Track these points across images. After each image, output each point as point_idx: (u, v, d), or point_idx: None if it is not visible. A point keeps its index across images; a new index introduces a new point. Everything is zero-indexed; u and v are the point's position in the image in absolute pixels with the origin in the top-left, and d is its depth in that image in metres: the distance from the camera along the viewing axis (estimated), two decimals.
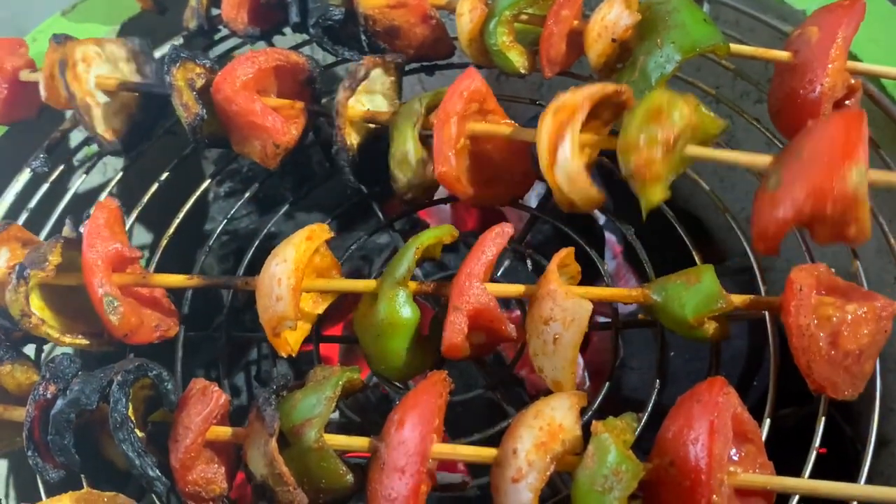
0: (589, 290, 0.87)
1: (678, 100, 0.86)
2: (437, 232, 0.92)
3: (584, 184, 0.89)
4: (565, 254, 0.89)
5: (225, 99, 1.03)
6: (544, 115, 0.91)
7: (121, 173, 1.22)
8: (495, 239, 0.90)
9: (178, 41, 1.28)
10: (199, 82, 1.06)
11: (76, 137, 1.26)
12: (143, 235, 1.49)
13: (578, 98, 0.89)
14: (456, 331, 0.86)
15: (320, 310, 0.99)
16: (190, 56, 1.05)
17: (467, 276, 0.87)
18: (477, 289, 0.87)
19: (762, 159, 0.87)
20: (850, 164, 0.78)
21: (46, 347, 1.09)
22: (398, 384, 1.01)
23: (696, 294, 0.83)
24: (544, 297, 0.84)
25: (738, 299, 0.85)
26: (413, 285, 0.90)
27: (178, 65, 1.04)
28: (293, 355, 0.93)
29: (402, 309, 0.88)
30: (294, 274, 0.89)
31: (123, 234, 1.01)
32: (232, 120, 1.04)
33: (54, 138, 1.21)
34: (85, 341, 0.98)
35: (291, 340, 0.93)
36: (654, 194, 0.87)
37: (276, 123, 1.02)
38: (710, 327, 0.85)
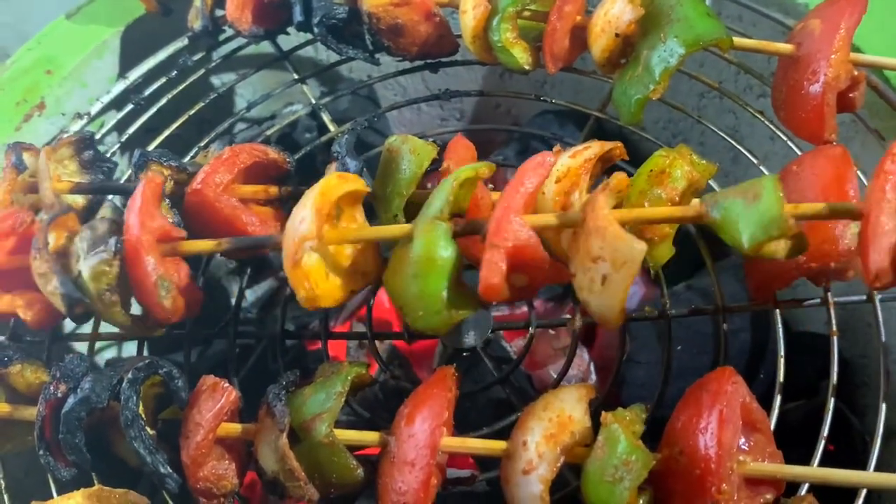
0: (639, 214, 0.79)
1: (676, 157, 0.86)
2: (476, 165, 0.84)
3: None
4: (615, 182, 0.80)
5: (204, 204, 0.98)
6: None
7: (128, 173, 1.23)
8: (536, 169, 0.82)
9: (183, 42, 1.29)
10: (169, 185, 1.01)
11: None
12: None
13: (580, 162, 0.87)
14: (494, 270, 0.77)
15: (348, 263, 0.91)
16: (156, 158, 1.00)
17: (505, 210, 0.78)
18: (517, 224, 0.78)
19: None
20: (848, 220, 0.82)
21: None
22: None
23: (753, 216, 0.72)
24: (591, 233, 0.74)
25: (807, 208, 0.74)
26: (448, 211, 0.81)
27: (145, 170, 0.99)
28: (311, 299, 0.84)
29: (439, 242, 0.80)
30: (320, 196, 0.83)
31: (162, 211, 0.98)
32: (209, 222, 0.99)
33: None
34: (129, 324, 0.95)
35: (313, 279, 0.83)
36: (663, 254, 0.89)
37: (257, 230, 0.99)
38: (780, 247, 0.74)
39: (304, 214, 0.83)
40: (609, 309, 0.75)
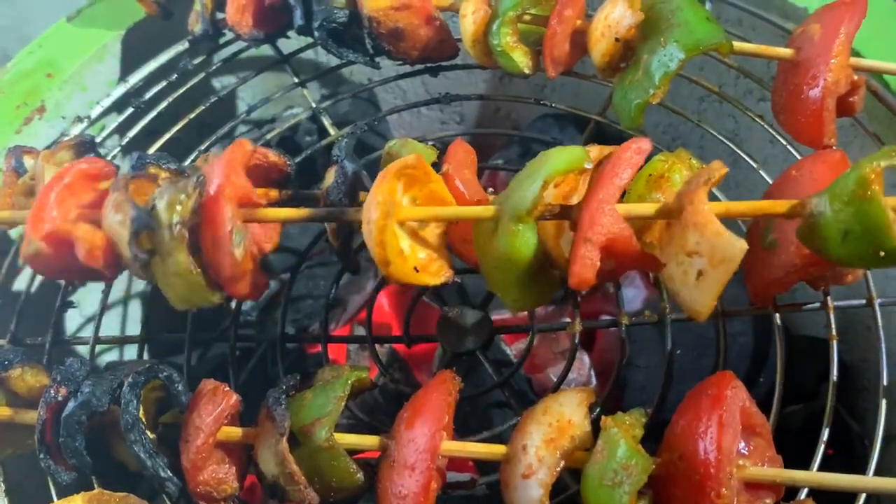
0: (731, 207, 0.77)
1: (675, 161, 0.86)
2: (570, 157, 0.80)
3: None
4: (715, 172, 0.76)
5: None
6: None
7: None
8: (631, 158, 0.79)
9: (184, 45, 1.29)
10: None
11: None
12: None
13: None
14: (587, 266, 0.77)
15: (435, 239, 0.91)
16: (155, 161, 0.98)
17: (599, 201, 0.77)
18: (611, 216, 0.77)
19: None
20: None
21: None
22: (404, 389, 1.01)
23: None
24: (689, 227, 0.73)
25: None
26: (535, 211, 0.79)
27: (143, 171, 0.96)
28: (388, 265, 0.82)
29: (522, 245, 0.79)
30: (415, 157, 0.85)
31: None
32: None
33: None
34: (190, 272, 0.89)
35: (387, 236, 0.81)
36: None
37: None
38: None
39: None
40: (701, 304, 0.75)
